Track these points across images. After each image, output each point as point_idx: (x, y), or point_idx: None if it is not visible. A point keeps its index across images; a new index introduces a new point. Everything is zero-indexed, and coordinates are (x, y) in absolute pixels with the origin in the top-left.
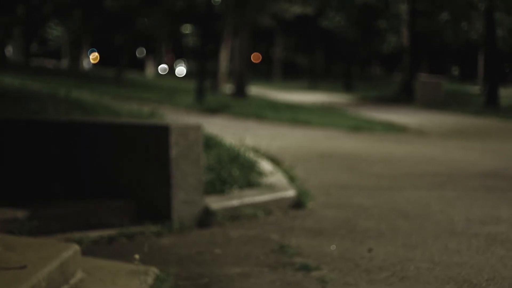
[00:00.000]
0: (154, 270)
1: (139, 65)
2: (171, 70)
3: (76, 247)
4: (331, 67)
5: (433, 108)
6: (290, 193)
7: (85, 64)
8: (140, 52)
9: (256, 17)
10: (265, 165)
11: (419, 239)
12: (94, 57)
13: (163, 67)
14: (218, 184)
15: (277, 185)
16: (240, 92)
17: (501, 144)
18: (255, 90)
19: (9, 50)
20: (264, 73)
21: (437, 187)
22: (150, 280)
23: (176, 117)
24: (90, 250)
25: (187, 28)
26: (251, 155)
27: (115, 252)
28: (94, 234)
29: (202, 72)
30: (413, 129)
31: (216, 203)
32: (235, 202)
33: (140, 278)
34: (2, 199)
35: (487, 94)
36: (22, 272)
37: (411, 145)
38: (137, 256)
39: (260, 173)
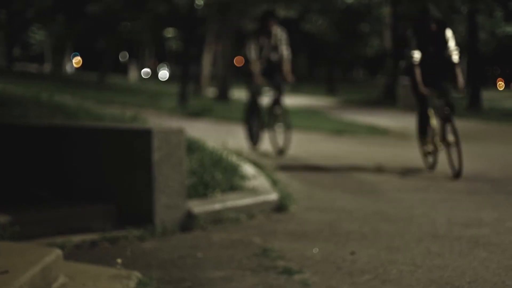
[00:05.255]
0: (136, 274)
1: (122, 69)
2: (154, 74)
3: (58, 252)
4: (313, 70)
5: (415, 111)
6: (273, 196)
7: (68, 68)
8: (123, 56)
9: (239, 21)
10: (248, 169)
11: (401, 242)
12: (76, 61)
13: (146, 71)
14: (201, 188)
15: (259, 188)
16: (223, 95)
17: (484, 147)
18: (238, 93)
19: None
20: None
21: (420, 190)
22: (132, 284)
23: (159, 121)
24: (72, 254)
25: (170, 32)
26: (233, 159)
27: (97, 256)
28: (76, 238)
29: (185, 76)
30: (396, 132)
31: (198, 207)
32: (217, 206)
33: (122, 283)
34: None
35: (470, 97)
36: (3, 277)
37: (393, 148)
38: (119, 261)
39: (243, 177)
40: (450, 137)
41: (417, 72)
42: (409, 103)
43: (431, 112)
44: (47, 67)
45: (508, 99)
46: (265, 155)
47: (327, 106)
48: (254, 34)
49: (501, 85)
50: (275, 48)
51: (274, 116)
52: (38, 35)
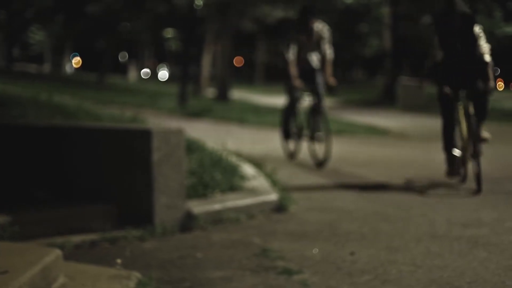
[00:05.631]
0: (136, 275)
1: (122, 69)
2: (154, 74)
3: (58, 252)
4: None
5: (415, 111)
6: (273, 197)
7: (68, 69)
8: (123, 56)
9: (238, 22)
10: (248, 169)
11: (401, 242)
12: (76, 61)
13: (145, 71)
14: (200, 188)
15: (259, 189)
16: (222, 96)
17: (484, 146)
18: (238, 94)
19: None
20: (246, 77)
21: (419, 190)
22: (132, 284)
23: (159, 122)
24: (72, 254)
25: (169, 32)
26: (233, 159)
27: (97, 256)
28: (76, 238)
29: (184, 76)
30: (395, 132)
31: (198, 207)
32: (217, 206)
33: (122, 283)
34: None
35: None
36: (3, 278)
37: (393, 148)
38: (119, 261)
39: (243, 177)
40: (485, 134)
41: (440, 72)
42: (409, 103)
43: (461, 114)
44: (46, 68)
45: (508, 99)
46: (303, 165)
47: (327, 106)
48: (293, 32)
49: (500, 85)
50: (316, 48)
51: (314, 124)
52: (37, 36)
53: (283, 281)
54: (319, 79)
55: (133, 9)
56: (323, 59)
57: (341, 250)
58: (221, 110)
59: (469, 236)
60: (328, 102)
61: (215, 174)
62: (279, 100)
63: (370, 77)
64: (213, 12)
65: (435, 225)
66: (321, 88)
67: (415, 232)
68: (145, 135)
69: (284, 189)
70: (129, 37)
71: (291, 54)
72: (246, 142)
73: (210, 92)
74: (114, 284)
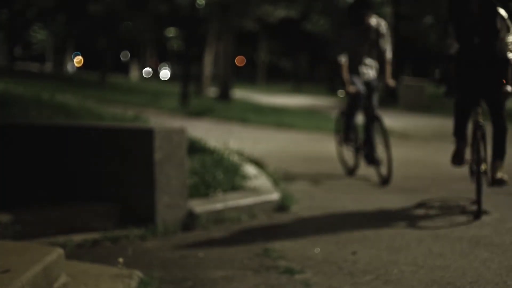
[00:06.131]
0: (138, 274)
1: (124, 68)
2: (156, 73)
3: (60, 251)
4: (315, 70)
5: (416, 111)
6: (274, 196)
7: (69, 68)
8: (125, 56)
9: (240, 21)
10: (249, 169)
11: (402, 243)
12: (78, 60)
13: (147, 71)
14: (202, 188)
15: (261, 188)
16: (224, 95)
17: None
18: (239, 93)
19: None
20: (248, 77)
21: (421, 190)
22: (134, 283)
23: (160, 121)
24: (74, 254)
25: (171, 32)
26: (235, 159)
27: (99, 255)
28: (78, 238)
29: (186, 76)
30: (397, 132)
31: (200, 206)
32: (219, 206)
33: (124, 282)
34: None
35: None
36: (5, 276)
37: (395, 148)
38: (121, 260)
39: (244, 177)
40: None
41: (452, 70)
42: (411, 103)
43: (475, 119)
44: (48, 67)
45: (508, 99)
46: (365, 181)
47: (329, 106)
48: (346, 31)
49: None
50: (373, 47)
51: (373, 135)
52: (39, 35)
53: (285, 280)
54: (374, 87)
55: (135, 9)
56: (382, 59)
57: (343, 250)
58: (223, 109)
59: (471, 236)
60: (329, 101)
61: (217, 173)
62: (280, 100)
63: None
64: (215, 11)
65: (437, 226)
66: (376, 96)
67: (416, 232)
68: (147, 135)
69: (285, 189)
70: (131, 36)
71: (343, 56)
72: (248, 141)
73: (211, 91)
74: (116, 283)
